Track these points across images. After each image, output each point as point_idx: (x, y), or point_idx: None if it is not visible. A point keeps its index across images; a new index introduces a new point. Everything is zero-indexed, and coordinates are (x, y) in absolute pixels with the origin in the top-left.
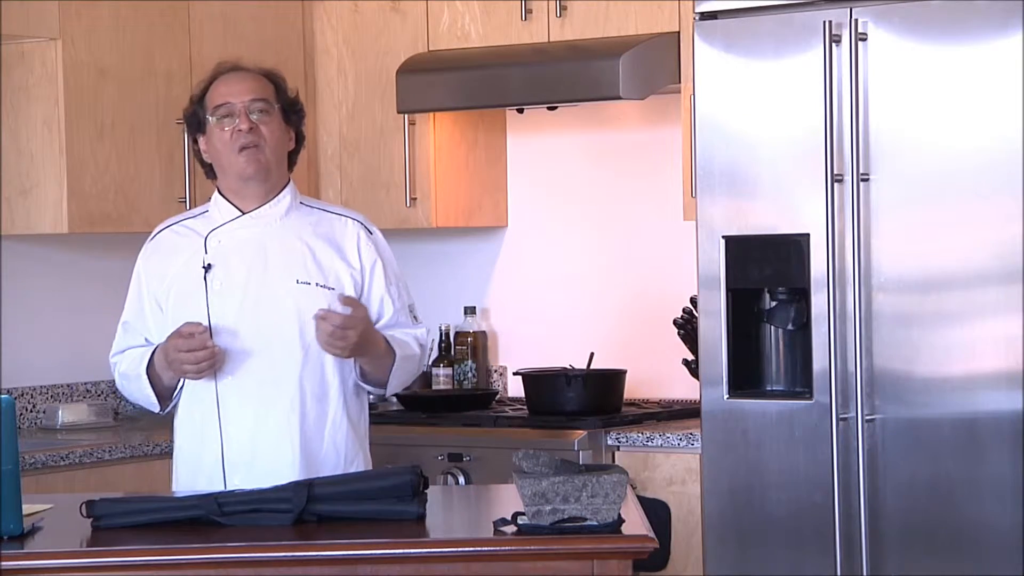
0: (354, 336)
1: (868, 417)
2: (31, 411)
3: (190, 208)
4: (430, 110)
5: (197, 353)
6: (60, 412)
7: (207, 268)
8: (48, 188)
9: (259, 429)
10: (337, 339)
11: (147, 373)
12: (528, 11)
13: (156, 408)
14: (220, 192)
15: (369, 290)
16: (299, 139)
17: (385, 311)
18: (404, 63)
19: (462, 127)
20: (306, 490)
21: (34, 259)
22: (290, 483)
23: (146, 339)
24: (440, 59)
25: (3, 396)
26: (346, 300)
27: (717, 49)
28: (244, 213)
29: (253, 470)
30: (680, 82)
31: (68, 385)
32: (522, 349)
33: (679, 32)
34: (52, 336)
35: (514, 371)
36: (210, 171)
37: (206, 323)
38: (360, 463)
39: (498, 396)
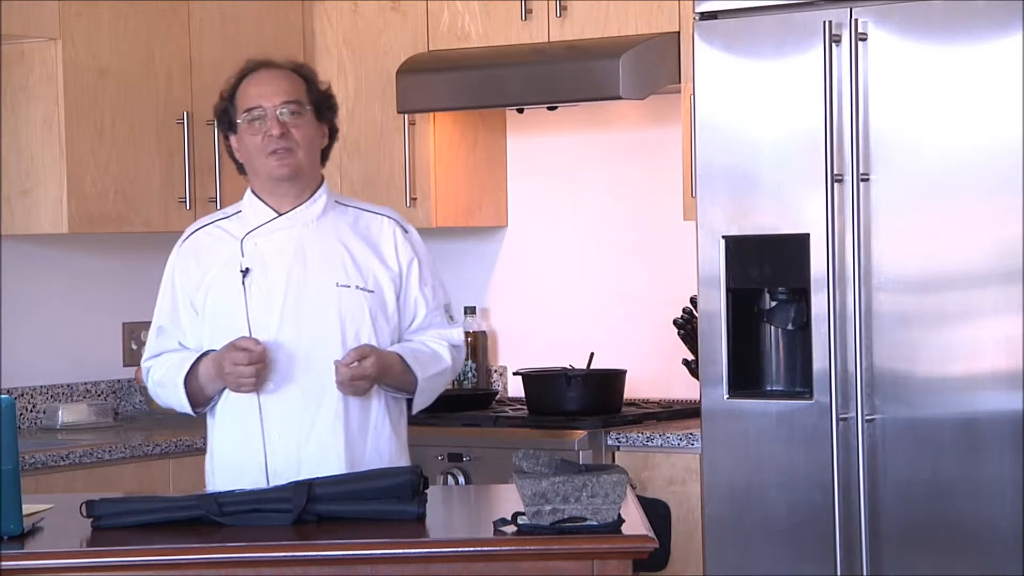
0: (366, 385)
1: (868, 417)
2: (31, 411)
3: (190, 208)
4: (430, 110)
5: (256, 366)
6: (60, 412)
7: (245, 272)
8: (48, 188)
9: (305, 438)
10: (347, 388)
11: (187, 382)
12: (528, 11)
13: (191, 414)
14: (253, 192)
15: (405, 290)
16: (332, 133)
17: (419, 312)
18: (404, 63)
19: (462, 127)
20: (306, 490)
21: (34, 259)
22: (290, 483)
23: (180, 343)
24: (440, 59)
25: (3, 396)
26: (358, 352)
27: (717, 49)
28: (280, 214)
29: (299, 478)
30: (680, 82)
31: (68, 385)
32: (522, 349)
33: (679, 32)
34: (52, 336)
35: (514, 371)
36: (242, 168)
37: (246, 328)
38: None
39: (498, 396)
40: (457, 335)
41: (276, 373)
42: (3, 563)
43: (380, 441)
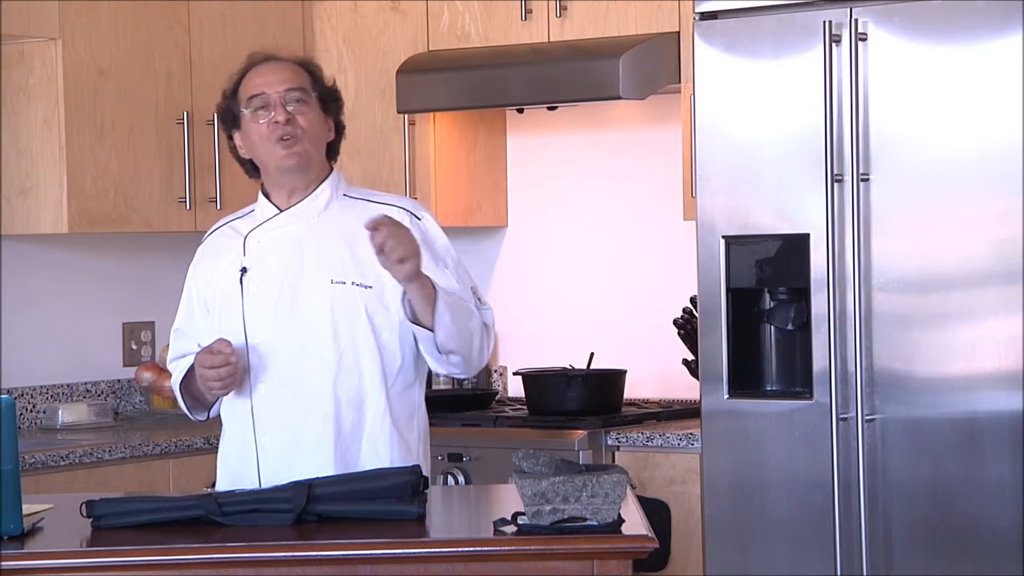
0: (414, 248)
1: (868, 417)
2: (31, 411)
3: (189, 208)
4: (430, 110)
5: (219, 370)
6: (60, 412)
7: (243, 271)
8: (48, 188)
9: (295, 440)
10: (392, 252)
11: (187, 386)
12: (528, 11)
13: (194, 418)
14: (263, 189)
15: None
16: (339, 129)
17: None
18: (404, 63)
19: (462, 127)
20: (306, 490)
21: (34, 259)
22: (290, 483)
23: (198, 344)
24: (440, 59)
25: (3, 396)
26: (382, 220)
27: (717, 49)
28: (282, 211)
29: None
30: (680, 82)
31: (68, 385)
32: (522, 349)
33: (679, 32)
34: (52, 336)
35: (514, 371)
36: (250, 169)
37: (242, 328)
38: None
39: (498, 396)
40: (489, 315)
41: (269, 374)
42: (3, 563)
43: (379, 444)
